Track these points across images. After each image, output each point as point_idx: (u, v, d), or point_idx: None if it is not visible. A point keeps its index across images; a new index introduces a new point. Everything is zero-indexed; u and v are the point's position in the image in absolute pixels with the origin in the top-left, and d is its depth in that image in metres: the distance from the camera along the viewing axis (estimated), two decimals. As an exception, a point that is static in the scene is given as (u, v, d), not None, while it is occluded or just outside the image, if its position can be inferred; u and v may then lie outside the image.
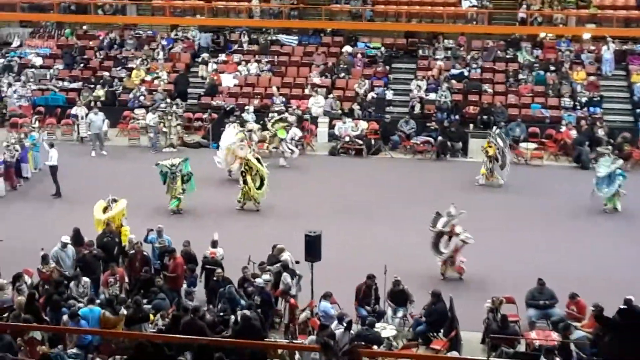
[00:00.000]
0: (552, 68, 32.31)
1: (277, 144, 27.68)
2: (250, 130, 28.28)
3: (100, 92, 32.71)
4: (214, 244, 18.58)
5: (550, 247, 21.11)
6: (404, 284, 17.18)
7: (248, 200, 23.70)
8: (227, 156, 25.60)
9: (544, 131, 29.51)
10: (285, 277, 17.25)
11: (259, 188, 23.57)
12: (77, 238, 18.75)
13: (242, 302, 16.49)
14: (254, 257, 18.14)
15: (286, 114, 28.95)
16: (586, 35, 33.28)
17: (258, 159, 23.95)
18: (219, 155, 25.85)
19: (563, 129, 29.05)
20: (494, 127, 27.79)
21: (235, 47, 35.36)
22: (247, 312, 15.24)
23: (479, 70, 32.84)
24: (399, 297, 17.15)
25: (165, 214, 22.71)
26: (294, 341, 15.53)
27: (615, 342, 7.40)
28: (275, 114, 28.96)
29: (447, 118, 30.01)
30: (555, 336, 15.70)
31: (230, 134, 25.94)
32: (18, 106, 32.33)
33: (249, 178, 23.44)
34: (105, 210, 20.02)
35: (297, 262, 17.81)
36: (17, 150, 25.65)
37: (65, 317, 15.13)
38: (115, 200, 20.21)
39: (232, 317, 15.65)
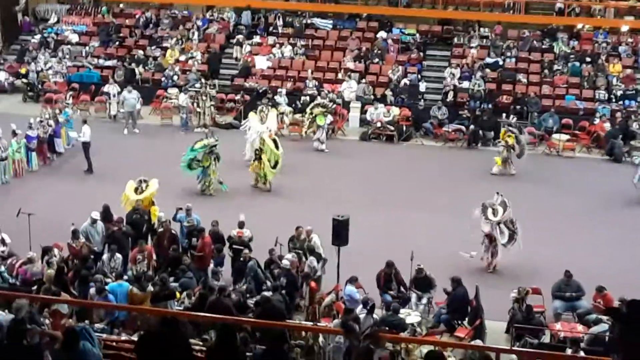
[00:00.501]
0: (588, 60, 31.98)
1: (315, 129, 27.65)
2: (282, 113, 28.37)
3: (135, 70, 32.89)
4: (241, 225, 18.64)
5: (580, 239, 20.99)
6: (430, 271, 17.17)
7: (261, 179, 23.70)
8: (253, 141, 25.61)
9: (577, 123, 29.26)
10: (312, 260, 17.30)
11: (274, 167, 23.53)
12: (106, 215, 18.92)
13: (268, 283, 16.59)
14: (281, 239, 18.18)
15: (326, 100, 28.75)
16: (624, 28, 32.95)
17: (275, 141, 23.83)
18: (248, 137, 25.77)
19: (597, 121, 28.80)
20: (511, 117, 27.71)
21: (270, 29, 35.39)
22: (268, 293, 15.31)
23: (513, 60, 32.60)
24: (423, 283, 17.14)
25: (194, 193, 22.78)
26: (317, 324, 15.56)
27: (623, 334, 7.33)
28: (317, 98, 28.87)
29: (479, 107, 29.86)
30: (580, 328, 15.66)
31: (272, 119, 26.00)
32: (53, 82, 32.60)
33: (264, 156, 23.38)
34: (135, 191, 20.17)
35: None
36: (50, 126, 25.88)
37: (92, 291, 15.28)
38: (145, 181, 20.33)
39: (254, 299, 15.69)
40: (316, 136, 27.54)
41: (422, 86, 31.34)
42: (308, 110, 27.86)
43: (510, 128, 25.89)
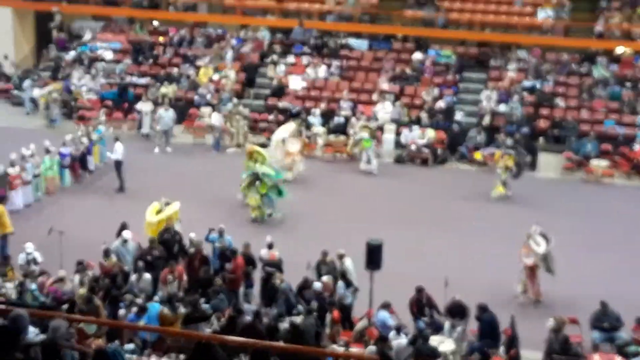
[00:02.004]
0: (628, 84, 31.49)
1: (361, 149, 27.43)
2: (315, 134, 28.17)
3: (168, 88, 32.89)
4: (270, 246, 18.42)
5: (619, 268, 20.53)
6: (464, 295, 16.82)
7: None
8: (277, 149, 25.40)
9: (616, 148, 28.76)
10: (340, 286, 16.98)
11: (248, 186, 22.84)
12: (121, 230, 18.76)
13: (299, 307, 16.32)
14: (313, 262, 17.92)
15: (372, 123, 28.71)
16: (665, 52, 32.44)
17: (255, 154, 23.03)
18: (271, 148, 25.60)
19: (637, 147, 28.30)
20: (507, 139, 27.52)
21: (305, 49, 35.27)
22: (296, 318, 15.04)
23: (552, 83, 32.17)
24: (457, 311, 16.77)
25: (225, 213, 22.55)
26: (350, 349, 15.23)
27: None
28: (362, 120, 28.74)
29: (517, 130, 29.42)
30: (619, 360, 15.25)
31: (285, 127, 25.85)
32: (87, 99, 32.66)
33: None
34: (158, 213, 20.11)
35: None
36: (83, 143, 25.89)
37: (121, 312, 15.10)
38: (168, 203, 20.24)
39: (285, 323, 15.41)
40: (364, 159, 27.27)
41: (459, 115, 30.80)
42: (356, 129, 27.54)
43: (508, 150, 25.48)
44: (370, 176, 26.99)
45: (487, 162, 27.97)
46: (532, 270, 18.80)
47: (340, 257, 17.82)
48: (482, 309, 16.16)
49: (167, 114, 29.06)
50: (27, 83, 33.67)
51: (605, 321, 16.60)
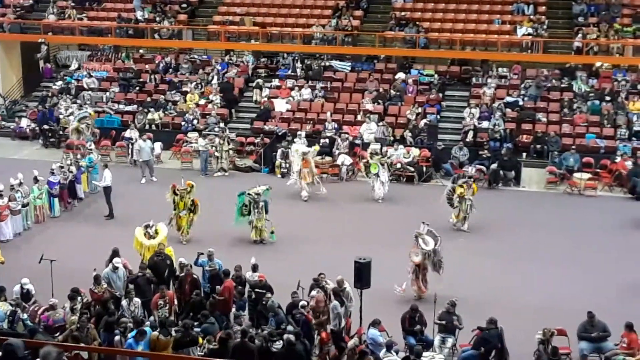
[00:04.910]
0: (608, 98, 31.92)
1: (368, 176, 27.19)
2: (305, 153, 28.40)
3: (154, 115, 33.11)
4: (254, 268, 18.55)
5: (604, 278, 20.74)
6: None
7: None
8: (295, 159, 26.08)
9: (598, 161, 29.12)
10: (336, 306, 17.02)
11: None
12: (112, 257, 18.86)
13: (289, 327, 16.42)
14: (303, 282, 18.06)
15: (385, 149, 28.85)
16: (643, 65, 32.89)
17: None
18: (292, 159, 26.42)
19: (618, 159, 28.66)
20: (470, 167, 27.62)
21: (289, 72, 35.61)
22: (292, 337, 15.11)
23: (532, 99, 32.59)
24: (448, 325, 16.95)
25: (217, 236, 22.74)
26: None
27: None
28: (375, 146, 28.78)
29: (499, 146, 29.78)
30: (607, 370, 15.44)
31: (301, 146, 26.60)
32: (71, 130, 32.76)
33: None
34: (145, 236, 20.34)
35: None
36: (71, 172, 26.02)
37: (117, 338, 15.19)
38: (151, 226, 20.43)
39: (279, 342, 15.49)
40: (375, 186, 26.89)
41: (441, 125, 31.09)
42: (367, 157, 27.41)
43: (467, 180, 24.80)
44: (357, 195, 27.17)
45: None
46: (419, 268, 19.31)
47: (339, 283, 17.36)
48: (493, 324, 16.17)
49: (146, 144, 28.94)
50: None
51: (592, 332, 16.76)
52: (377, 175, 26.70)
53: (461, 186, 24.18)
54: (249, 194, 22.82)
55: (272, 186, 23.81)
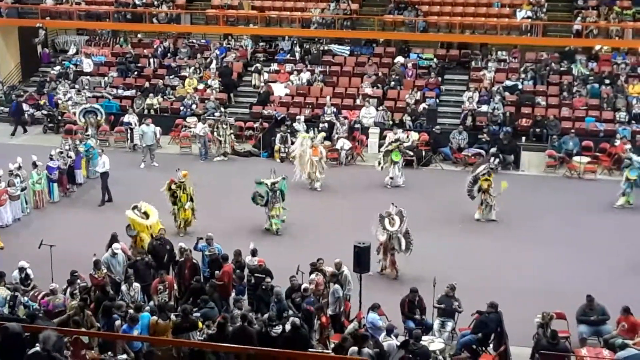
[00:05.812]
0: (607, 81, 31.87)
1: (389, 164, 26.83)
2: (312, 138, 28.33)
3: (153, 100, 33.05)
4: (254, 253, 18.56)
5: (603, 262, 20.79)
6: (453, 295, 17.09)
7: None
8: (305, 149, 25.89)
9: (597, 145, 29.12)
10: (337, 289, 17.04)
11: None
12: (111, 243, 18.87)
13: (290, 312, 16.44)
14: (302, 267, 18.07)
15: (403, 136, 27.86)
16: (643, 48, 32.81)
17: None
18: (298, 148, 26.15)
19: (617, 142, 28.61)
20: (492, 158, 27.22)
21: (288, 56, 35.52)
22: (297, 320, 15.10)
23: (532, 83, 32.53)
24: (447, 308, 16.98)
25: (215, 220, 22.75)
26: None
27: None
28: (392, 134, 28.01)
29: (499, 130, 29.76)
30: (606, 353, 15.45)
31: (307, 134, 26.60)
32: (73, 113, 32.75)
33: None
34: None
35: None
36: (70, 157, 26.00)
37: (117, 323, 15.21)
38: (138, 207, 20.40)
39: (279, 327, 15.50)
40: (390, 174, 26.73)
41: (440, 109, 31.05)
42: (385, 146, 27.13)
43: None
44: (357, 180, 27.19)
45: (472, 162, 28.23)
46: (385, 247, 19.55)
47: (338, 266, 17.48)
48: (494, 308, 16.22)
49: (149, 129, 28.87)
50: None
51: (591, 315, 16.79)
52: (396, 162, 26.64)
53: (487, 180, 23.57)
54: (266, 184, 22.65)
55: (286, 175, 23.51)
